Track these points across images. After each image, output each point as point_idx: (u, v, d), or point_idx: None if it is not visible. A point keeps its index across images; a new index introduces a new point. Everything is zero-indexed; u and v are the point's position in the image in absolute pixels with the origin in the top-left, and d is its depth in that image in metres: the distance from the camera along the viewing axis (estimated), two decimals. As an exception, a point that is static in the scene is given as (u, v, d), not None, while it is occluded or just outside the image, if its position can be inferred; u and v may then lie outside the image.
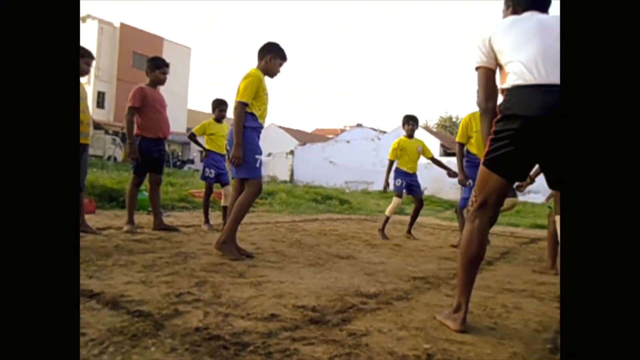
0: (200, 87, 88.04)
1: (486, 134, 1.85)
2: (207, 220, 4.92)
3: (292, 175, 28.39)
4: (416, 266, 3.47)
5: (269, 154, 29.70)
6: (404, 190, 5.29)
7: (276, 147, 29.42)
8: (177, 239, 3.92)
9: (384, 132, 27.58)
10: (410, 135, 5.30)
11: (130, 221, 4.20)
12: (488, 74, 1.89)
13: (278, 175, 28.87)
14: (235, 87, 3.17)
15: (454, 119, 44.88)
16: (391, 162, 5.36)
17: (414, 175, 5.32)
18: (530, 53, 1.70)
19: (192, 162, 30.15)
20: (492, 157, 1.76)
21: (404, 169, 5.29)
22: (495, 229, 6.59)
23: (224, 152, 5.03)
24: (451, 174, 5.04)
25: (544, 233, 7.34)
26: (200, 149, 5.10)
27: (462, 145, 4.12)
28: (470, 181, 4.18)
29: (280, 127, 30.68)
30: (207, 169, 4.87)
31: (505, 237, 6.36)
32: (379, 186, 24.49)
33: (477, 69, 1.90)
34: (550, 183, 1.75)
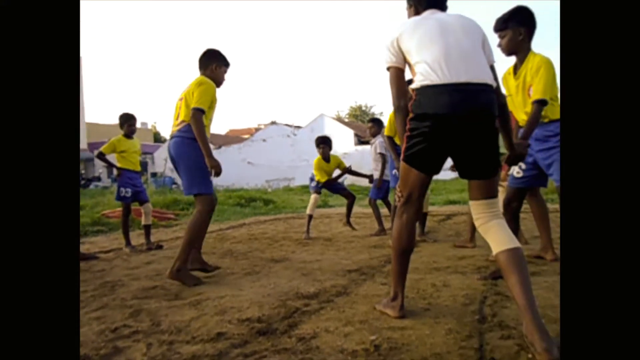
0: (96, 98, 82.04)
1: (401, 131, 1.98)
2: (128, 242, 4.66)
3: (210, 180, 27.66)
4: (349, 259, 3.60)
5: (184, 162, 28.62)
6: (322, 189, 5.50)
7: (190, 153, 28.42)
8: (98, 268, 3.68)
9: (299, 127, 27.86)
10: (325, 158, 5.39)
11: None
12: (398, 74, 2.01)
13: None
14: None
15: (363, 108, 46.52)
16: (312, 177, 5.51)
17: (331, 181, 5.48)
18: (434, 54, 1.84)
19: (98, 179, 28.05)
20: (410, 154, 1.88)
21: (317, 178, 5.43)
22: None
23: (139, 168, 4.79)
24: (370, 179, 5.41)
25: (458, 208, 7.97)
26: (110, 166, 4.79)
27: (390, 138, 4.35)
28: (395, 171, 4.43)
29: (192, 132, 29.63)
30: (122, 189, 4.60)
31: (424, 217, 6.79)
32: (300, 181, 24.79)
33: (387, 69, 2.02)
34: (461, 173, 1.92)
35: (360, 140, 24.49)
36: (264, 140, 26.46)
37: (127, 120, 4.68)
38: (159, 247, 4.76)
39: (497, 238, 1.74)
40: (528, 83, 2.43)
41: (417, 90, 1.86)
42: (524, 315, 1.55)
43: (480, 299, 2.22)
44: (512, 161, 2.14)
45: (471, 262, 3.19)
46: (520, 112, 2.56)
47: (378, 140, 5.19)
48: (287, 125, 28.74)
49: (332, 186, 5.53)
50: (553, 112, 2.45)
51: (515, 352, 1.53)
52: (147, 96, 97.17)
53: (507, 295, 2.24)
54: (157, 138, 46.41)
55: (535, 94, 2.35)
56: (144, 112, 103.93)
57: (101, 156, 4.64)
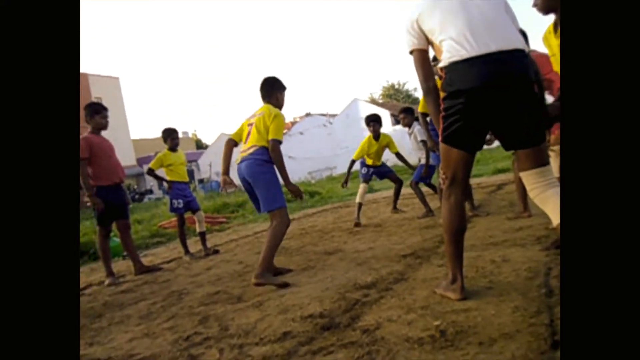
0: (138, 115, 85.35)
1: (435, 113, 1.94)
2: (187, 251, 4.86)
3: (255, 179, 28.22)
4: (402, 243, 3.58)
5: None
6: (374, 176, 5.52)
7: (233, 156, 29.06)
8: (163, 279, 3.86)
9: (334, 115, 27.81)
10: (376, 136, 5.34)
11: (110, 273, 4.09)
12: (422, 55, 1.97)
13: (241, 184, 28.59)
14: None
15: (396, 86, 45.67)
16: (353, 162, 5.50)
17: (380, 165, 5.51)
18: (458, 28, 1.79)
19: (150, 192, 29.33)
20: (448, 134, 1.84)
21: (369, 163, 5.48)
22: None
23: (187, 179, 4.97)
24: (413, 169, 5.39)
25: (508, 177, 7.69)
26: (160, 180, 4.99)
27: (424, 115, 4.17)
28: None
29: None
30: (174, 200, 4.79)
31: (473, 190, 6.61)
32: (341, 169, 24.78)
33: (410, 52, 1.98)
34: (506, 145, 1.86)
35: (397, 120, 24.11)
36: (301, 133, 26.60)
37: (170, 135, 4.85)
38: (216, 252, 4.92)
39: (558, 207, 1.68)
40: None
41: (446, 68, 1.81)
42: None
43: (544, 271, 2.15)
44: (548, 124, 2.06)
45: (530, 232, 3.09)
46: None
47: (416, 128, 5.12)
48: (321, 115, 28.77)
49: (380, 171, 5.52)
50: None
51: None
52: (184, 106, 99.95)
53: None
54: (199, 145, 47.77)
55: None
56: (183, 121, 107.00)
57: (151, 172, 4.85)
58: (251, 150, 3.07)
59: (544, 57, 2.90)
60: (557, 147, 2.91)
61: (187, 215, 5.22)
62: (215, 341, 2.00)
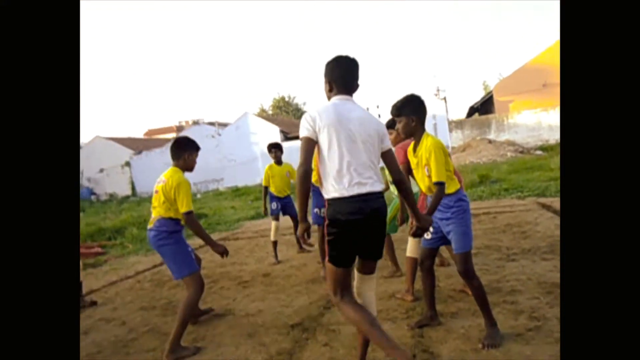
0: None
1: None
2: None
3: (133, 188, 26.39)
4: (290, 305, 3.80)
5: (101, 170, 27.02)
6: (280, 212, 5.75)
7: (107, 161, 26.85)
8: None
9: (223, 125, 27.33)
10: (278, 162, 5.73)
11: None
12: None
13: (117, 191, 26.55)
14: None
15: (287, 99, 46.55)
16: (265, 188, 5.78)
17: (286, 198, 5.77)
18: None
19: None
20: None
21: (275, 192, 5.70)
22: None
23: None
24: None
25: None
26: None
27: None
28: (316, 210, 4.68)
29: (107, 138, 27.93)
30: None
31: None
32: (228, 183, 24.45)
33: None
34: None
35: (287, 137, 24.63)
36: (188, 143, 25.64)
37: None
38: (94, 303, 4.63)
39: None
40: (424, 162, 2.73)
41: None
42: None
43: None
44: (418, 232, 2.49)
45: (399, 303, 3.51)
46: (421, 184, 2.88)
47: None
48: (210, 124, 28.07)
49: (286, 207, 5.75)
50: (450, 185, 2.77)
51: None
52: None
53: (432, 351, 2.58)
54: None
55: (434, 177, 2.65)
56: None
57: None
58: (154, 222, 3.14)
59: (399, 149, 3.42)
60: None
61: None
62: None
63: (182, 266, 3.10)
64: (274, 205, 5.70)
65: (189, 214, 3.06)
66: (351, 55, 2.35)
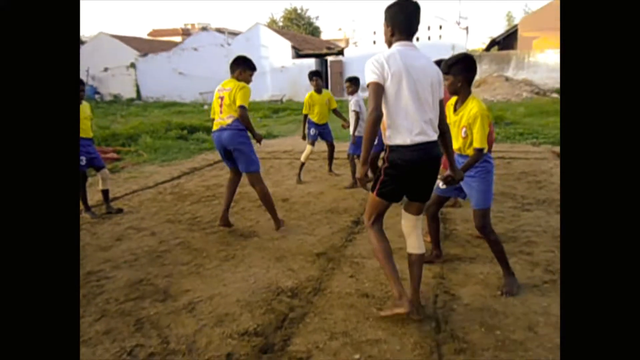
0: None
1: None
2: (87, 208, 4.69)
3: (138, 91, 25.99)
4: (312, 234, 3.99)
5: (105, 69, 26.37)
6: (317, 138, 6.09)
7: (112, 60, 26.09)
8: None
9: (233, 34, 26.27)
10: (318, 90, 5.94)
11: None
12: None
13: (122, 93, 26.16)
14: None
15: (298, 11, 44.28)
16: (305, 116, 6.02)
17: (324, 125, 6.06)
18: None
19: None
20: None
21: (315, 120, 5.97)
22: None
23: (91, 134, 4.66)
24: (345, 125, 5.92)
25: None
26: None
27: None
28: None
29: (112, 36, 26.86)
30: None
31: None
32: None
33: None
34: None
35: (298, 53, 23.82)
36: (196, 49, 24.83)
37: (83, 86, 4.41)
38: (120, 210, 4.83)
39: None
40: (462, 124, 2.76)
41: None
42: (412, 292, 2.43)
43: (432, 298, 2.74)
44: (449, 182, 2.63)
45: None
46: (454, 141, 2.91)
47: (354, 99, 5.45)
48: (218, 31, 26.95)
49: (323, 134, 6.05)
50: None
51: (464, 368, 2.06)
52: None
53: (453, 293, 2.79)
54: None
55: (476, 142, 2.69)
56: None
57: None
58: (227, 123, 3.71)
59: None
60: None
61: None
62: (161, 357, 2.23)
63: (255, 163, 3.80)
64: (313, 131, 6.02)
65: (243, 108, 3.62)
66: None
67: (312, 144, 6.06)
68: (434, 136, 2.31)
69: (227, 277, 3.16)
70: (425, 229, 3.74)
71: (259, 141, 4.01)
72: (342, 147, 7.23)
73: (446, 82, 2.76)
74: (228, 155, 3.88)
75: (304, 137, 6.18)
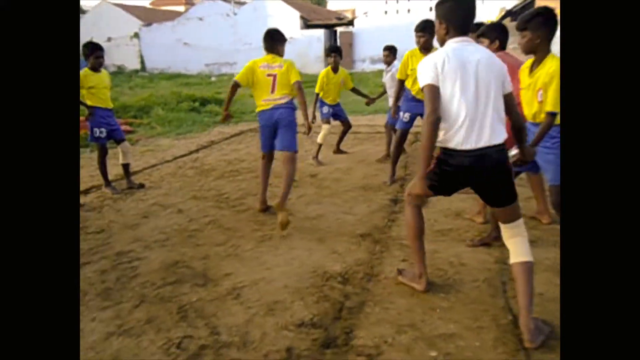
0: None
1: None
2: (108, 183, 4.45)
3: (142, 62, 25.40)
4: (350, 212, 3.75)
5: (109, 39, 25.70)
6: (331, 117, 5.65)
7: (115, 30, 25.39)
8: (94, 227, 3.55)
9: (240, 4, 25.50)
10: (335, 68, 5.47)
11: None
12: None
13: (126, 64, 25.58)
14: None
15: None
16: (317, 95, 5.56)
17: (337, 105, 5.65)
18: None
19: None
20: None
21: (327, 101, 5.56)
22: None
23: (111, 105, 4.38)
24: (369, 102, 5.71)
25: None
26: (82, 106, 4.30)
27: (401, 81, 4.37)
28: (401, 113, 4.43)
29: (115, 4, 26.10)
30: (96, 129, 4.23)
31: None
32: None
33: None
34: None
35: (307, 24, 23.12)
36: (201, 19, 24.11)
37: (92, 51, 4.10)
38: (142, 186, 4.59)
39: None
40: (539, 86, 2.48)
41: None
42: (521, 313, 2.02)
43: (500, 287, 2.51)
44: (518, 163, 2.40)
45: (467, 223, 3.46)
46: (527, 108, 2.66)
47: (395, 68, 5.15)
48: (225, 0, 26.16)
49: (336, 113, 5.67)
50: (558, 117, 2.55)
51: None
52: None
53: (522, 281, 2.56)
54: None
55: (549, 105, 2.42)
56: None
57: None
58: (284, 100, 3.63)
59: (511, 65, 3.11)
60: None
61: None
62: (212, 350, 2.02)
63: (297, 143, 3.68)
64: (325, 109, 5.57)
65: (300, 82, 3.62)
66: None
67: (328, 122, 5.57)
68: (495, 139, 2.03)
69: (268, 259, 2.93)
70: (476, 209, 3.51)
71: (309, 130, 3.84)
72: (357, 122, 6.99)
73: (523, 39, 2.49)
74: (274, 135, 3.68)
75: (314, 120, 5.24)
